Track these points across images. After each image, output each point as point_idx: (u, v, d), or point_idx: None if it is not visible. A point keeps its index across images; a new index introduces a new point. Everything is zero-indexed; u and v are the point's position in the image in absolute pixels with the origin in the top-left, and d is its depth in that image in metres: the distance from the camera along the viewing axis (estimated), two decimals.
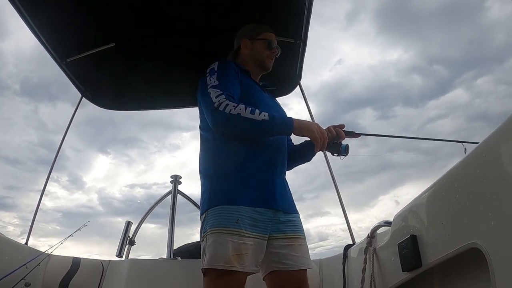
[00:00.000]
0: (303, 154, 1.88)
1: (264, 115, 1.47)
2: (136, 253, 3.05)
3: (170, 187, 3.18)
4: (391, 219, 1.73)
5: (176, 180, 3.20)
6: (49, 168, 2.97)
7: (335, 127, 1.68)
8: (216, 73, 1.63)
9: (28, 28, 2.24)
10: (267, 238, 1.52)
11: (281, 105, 1.96)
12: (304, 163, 1.92)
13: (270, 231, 1.53)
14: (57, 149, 3.04)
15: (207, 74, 1.65)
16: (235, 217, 1.45)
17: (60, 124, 2.86)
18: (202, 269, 1.46)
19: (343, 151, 1.61)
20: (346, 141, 1.69)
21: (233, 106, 1.47)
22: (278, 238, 1.55)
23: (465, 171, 1.18)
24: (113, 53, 2.62)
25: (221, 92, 1.53)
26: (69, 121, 3.05)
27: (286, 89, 3.00)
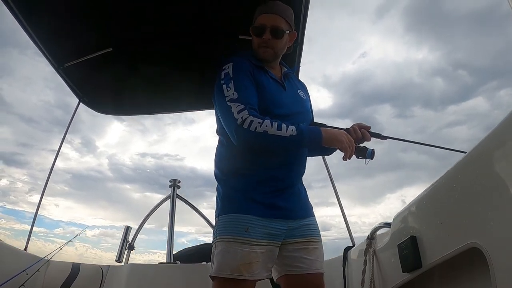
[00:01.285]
0: (324, 148, 1.71)
1: (292, 130, 1.39)
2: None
3: (180, 160, 3.21)
4: (392, 220, 1.73)
5: (174, 184, 3.20)
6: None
7: (360, 127, 1.62)
8: (232, 81, 1.50)
9: (25, 33, 2.25)
10: (280, 245, 1.50)
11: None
12: (325, 155, 1.85)
13: (284, 237, 1.51)
14: (55, 154, 3.04)
15: (222, 81, 1.52)
16: (244, 226, 1.43)
17: None
18: (210, 276, 1.45)
19: (369, 155, 1.56)
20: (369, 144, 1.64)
21: (258, 122, 1.38)
22: (291, 243, 1.53)
23: (464, 171, 1.19)
24: (110, 58, 2.62)
25: (243, 106, 1.42)
26: (66, 126, 3.06)
27: None
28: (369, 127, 1.64)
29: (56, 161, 2.99)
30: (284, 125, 1.39)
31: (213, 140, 1.70)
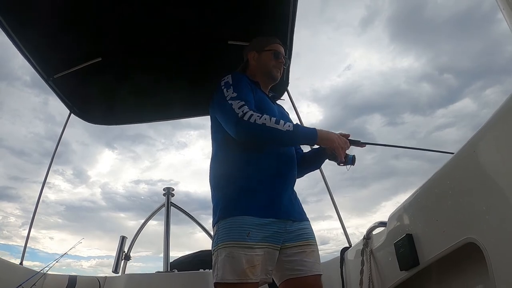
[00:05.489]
0: (313, 162, 1.90)
1: (289, 126, 1.49)
2: (135, 249, 3.05)
3: (174, 184, 3.17)
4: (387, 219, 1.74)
5: (168, 192, 3.19)
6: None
7: (340, 135, 1.67)
8: (232, 86, 1.63)
9: (14, 46, 2.23)
10: (279, 248, 1.54)
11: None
12: (313, 170, 1.96)
13: (282, 241, 1.55)
14: (48, 165, 3.02)
15: (223, 87, 1.64)
16: (246, 230, 1.47)
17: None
18: (215, 282, 1.48)
19: (349, 161, 1.62)
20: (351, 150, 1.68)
21: (258, 116, 1.48)
22: (290, 247, 1.57)
23: (457, 167, 1.20)
24: (99, 68, 2.61)
25: (243, 102, 1.53)
26: (58, 138, 3.04)
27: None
28: (348, 135, 1.70)
29: (49, 193, 2.96)
30: (281, 121, 1.50)
31: (206, 163, 1.78)
